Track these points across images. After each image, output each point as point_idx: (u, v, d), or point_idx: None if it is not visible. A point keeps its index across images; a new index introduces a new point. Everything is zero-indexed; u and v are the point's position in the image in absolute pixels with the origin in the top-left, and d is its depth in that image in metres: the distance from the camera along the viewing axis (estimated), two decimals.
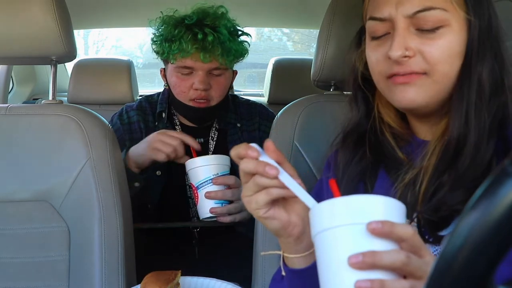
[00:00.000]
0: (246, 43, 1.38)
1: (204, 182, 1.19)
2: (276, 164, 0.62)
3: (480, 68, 0.71)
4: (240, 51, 1.35)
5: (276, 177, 0.61)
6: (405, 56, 0.72)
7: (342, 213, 0.54)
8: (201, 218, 1.22)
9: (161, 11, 1.35)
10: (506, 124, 0.71)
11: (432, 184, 0.72)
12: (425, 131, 0.80)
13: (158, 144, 1.22)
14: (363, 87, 0.83)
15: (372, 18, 0.77)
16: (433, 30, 0.71)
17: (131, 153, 1.26)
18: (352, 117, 0.85)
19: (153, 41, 1.36)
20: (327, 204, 0.55)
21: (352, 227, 0.53)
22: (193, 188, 1.21)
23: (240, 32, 1.37)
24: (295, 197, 0.62)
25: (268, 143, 0.63)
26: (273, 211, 0.65)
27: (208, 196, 1.18)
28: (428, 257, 0.54)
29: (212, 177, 1.18)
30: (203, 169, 1.19)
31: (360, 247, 0.52)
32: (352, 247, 0.52)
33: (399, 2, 0.73)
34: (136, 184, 1.27)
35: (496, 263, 0.34)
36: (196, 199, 1.21)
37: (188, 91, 1.34)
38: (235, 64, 1.47)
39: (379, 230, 0.51)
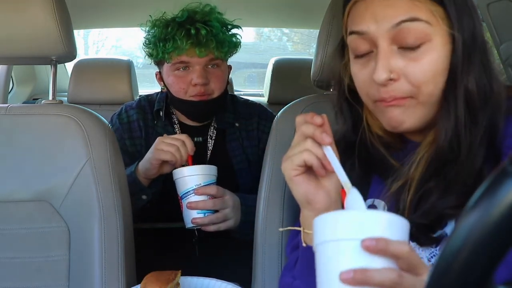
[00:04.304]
0: (238, 36, 1.39)
1: (187, 192, 1.19)
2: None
3: (465, 81, 0.70)
4: (234, 43, 1.36)
5: (328, 144, 0.67)
6: (390, 79, 0.70)
7: (343, 227, 0.54)
8: (186, 227, 1.22)
9: (150, 15, 1.35)
10: (496, 131, 0.71)
11: (417, 193, 0.72)
12: (418, 136, 0.79)
13: (162, 145, 1.22)
14: (351, 100, 0.82)
15: (352, 33, 0.75)
16: (416, 47, 0.69)
17: (140, 164, 1.27)
18: (338, 129, 0.84)
19: (146, 44, 1.37)
20: (330, 216, 0.55)
21: (350, 243, 0.53)
22: (179, 198, 1.22)
23: (230, 26, 1.38)
24: (326, 176, 0.69)
25: (324, 115, 0.69)
26: (303, 178, 0.70)
27: (189, 206, 1.18)
28: (425, 276, 0.54)
29: (195, 187, 1.19)
30: (187, 179, 1.19)
31: (355, 263, 0.52)
32: (347, 262, 0.52)
33: (380, 15, 0.71)
34: (144, 197, 1.28)
35: (496, 263, 0.34)
36: (181, 209, 1.22)
37: (187, 88, 1.34)
38: (234, 65, 1.48)
39: (373, 247, 0.51)
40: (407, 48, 0.70)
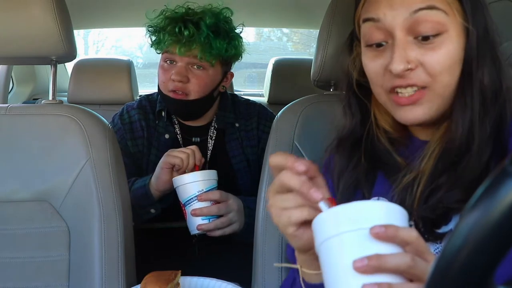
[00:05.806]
0: (236, 44, 1.38)
1: (190, 199, 1.19)
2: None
3: (481, 75, 0.70)
4: (224, 50, 1.34)
5: (321, 200, 0.58)
6: (407, 69, 0.70)
7: (345, 219, 0.53)
8: (191, 234, 1.22)
9: (165, 5, 1.38)
10: (504, 125, 0.71)
11: (428, 187, 0.71)
12: (425, 133, 0.79)
13: (173, 152, 1.23)
14: (359, 94, 0.82)
15: (367, 20, 0.74)
16: (433, 37, 0.69)
17: (153, 175, 1.27)
18: (346, 124, 0.83)
19: (147, 29, 1.39)
20: (330, 212, 0.55)
21: (356, 233, 0.52)
22: (181, 205, 1.21)
23: (232, 34, 1.37)
24: None
25: (307, 162, 0.61)
26: (302, 231, 0.62)
27: (194, 213, 1.18)
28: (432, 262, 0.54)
29: (197, 193, 1.18)
30: (189, 186, 1.19)
31: (365, 252, 0.51)
32: (357, 252, 0.51)
33: (397, 2, 0.70)
34: (152, 211, 1.28)
35: (496, 263, 0.34)
36: (185, 216, 1.21)
37: (168, 81, 1.36)
38: (234, 64, 1.47)
39: (383, 234, 0.51)
40: (423, 38, 0.70)
